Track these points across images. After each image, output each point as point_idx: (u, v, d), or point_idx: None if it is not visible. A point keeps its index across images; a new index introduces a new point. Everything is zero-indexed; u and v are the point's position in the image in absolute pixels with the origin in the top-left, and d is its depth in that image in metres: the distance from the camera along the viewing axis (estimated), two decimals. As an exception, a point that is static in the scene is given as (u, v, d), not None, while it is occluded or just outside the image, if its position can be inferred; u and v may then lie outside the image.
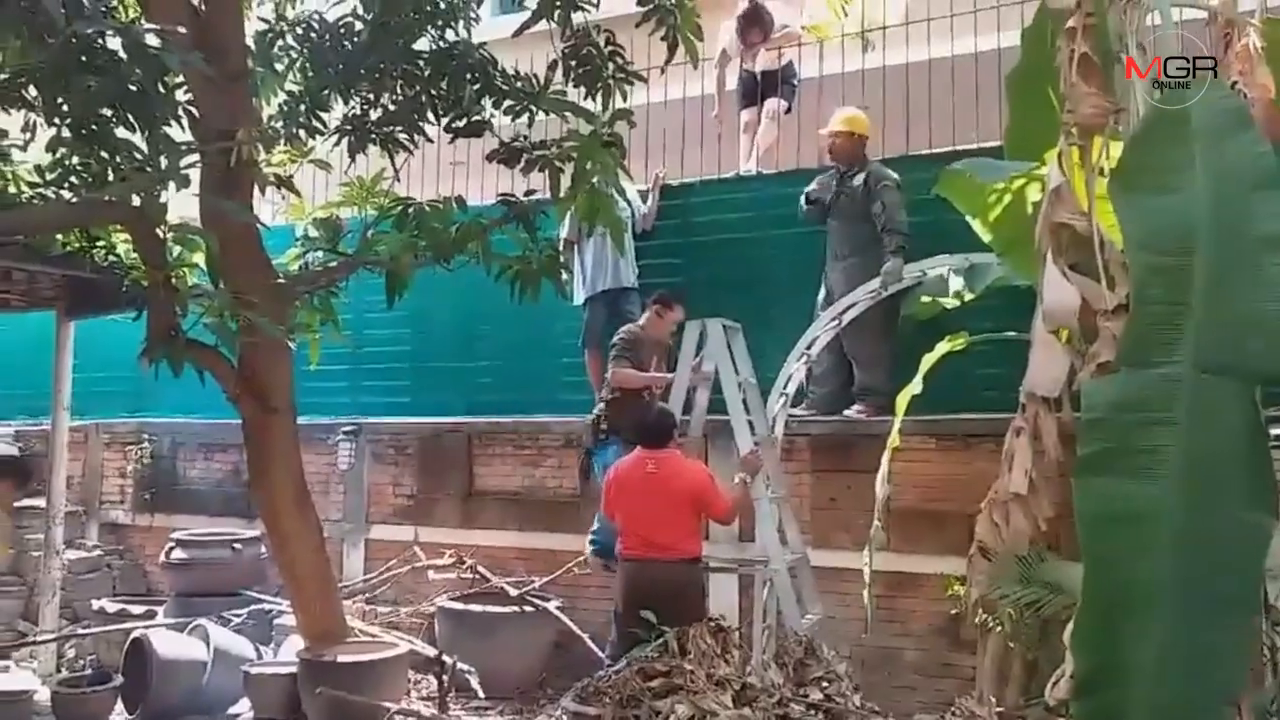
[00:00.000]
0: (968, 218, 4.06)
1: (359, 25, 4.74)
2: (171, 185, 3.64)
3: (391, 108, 4.80)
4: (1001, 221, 3.91)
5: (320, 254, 4.88)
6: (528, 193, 4.49)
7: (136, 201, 3.63)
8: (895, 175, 5.09)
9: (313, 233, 4.97)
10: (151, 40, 3.12)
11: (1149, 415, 2.57)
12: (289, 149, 4.55)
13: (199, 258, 4.03)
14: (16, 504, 7.15)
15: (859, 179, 5.15)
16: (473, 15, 4.97)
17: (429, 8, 4.72)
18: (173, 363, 3.75)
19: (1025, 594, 2.94)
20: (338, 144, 4.72)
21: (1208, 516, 2.41)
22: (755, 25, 6.05)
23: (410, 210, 4.61)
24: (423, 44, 4.78)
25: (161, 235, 3.77)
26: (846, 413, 5.28)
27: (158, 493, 7.63)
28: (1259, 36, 3.42)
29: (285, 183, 4.26)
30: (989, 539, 3.32)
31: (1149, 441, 2.44)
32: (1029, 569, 3.02)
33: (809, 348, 4.97)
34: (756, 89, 6.27)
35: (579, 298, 6.02)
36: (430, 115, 4.74)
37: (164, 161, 3.38)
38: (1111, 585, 2.40)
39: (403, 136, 4.75)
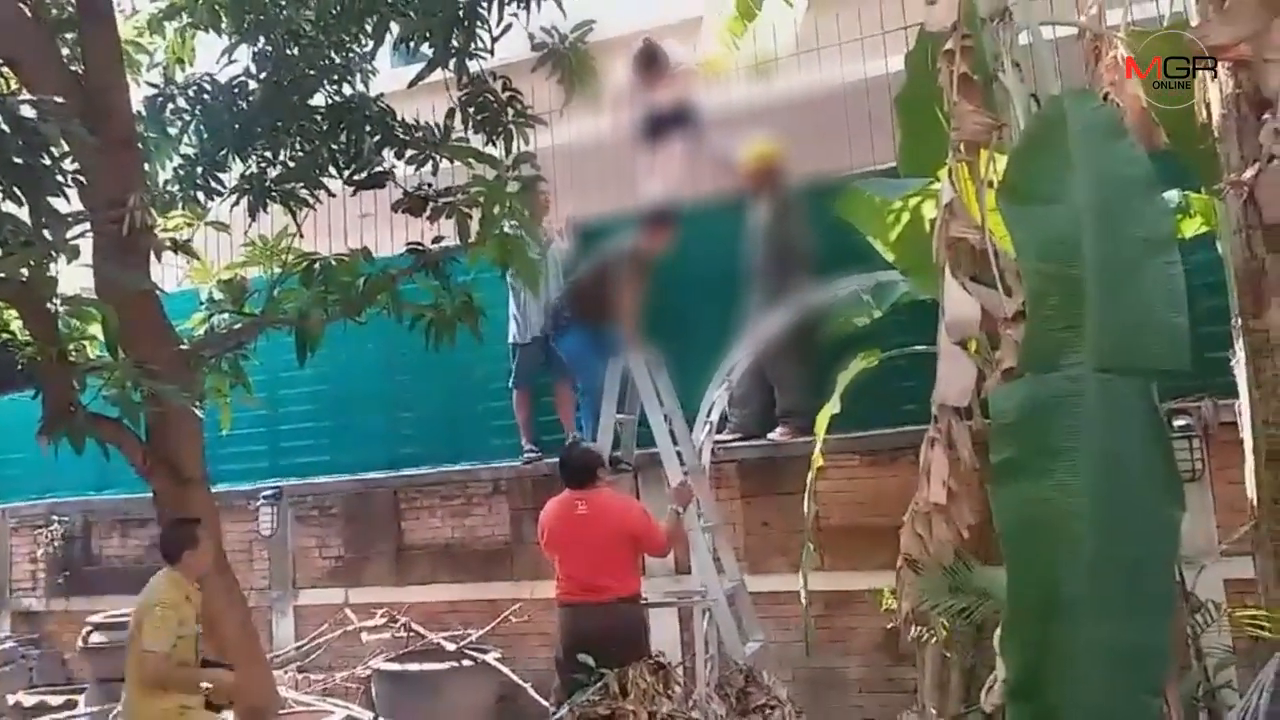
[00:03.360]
0: (869, 238, 4.14)
1: (252, 84, 4.66)
2: (61, 258, 3.50)
3: (290, 165, 4.72)
4: (902, 239, 4.00)
5: (226, 316, 4.74)
6: (435, 240, 4.43)
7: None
8: (799, 200, 5.18)
9: (217, 295, 4.83)
10: (27, 111, 2.99)
11: (1055, 418, 2.62)
12: (185, 212, 4.41)
13: (96, 329, 3.87)
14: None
15: (768, 206, 5.24)
16: (369, 68, 4.93)
17: (323, 63, 4.66)
18: (73, 440, 3.58)
19: (955, 603, 2.96)
20: (236, 204, 4.61)
21: (1120, 513, 2.45)
22: (651, 64, 6.09)
23: (317, 265, 4.52)
24: (319, 99, 4.72)
25: (53, 309, 3.61)
26: (771, 435, 5.31)
27: (72, 575, 7.27)
28: (1126, 48, 3.57)
29: (183, 247, 4.14)
30: (914, 550, 3.34)
31: (1058, 444, 2.49)
32: (956, 578, 3.04)
33: (729, 374, 4.99)
34: (658, 127, 6.30)
35: (511, 338, 5.97)
36: (331, 169, 4.66)
37: (48, 234, 3.24)
38: (1035, 588, 2.43)
39: (304, 193, 4.66)
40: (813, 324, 5.09)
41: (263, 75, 4.64)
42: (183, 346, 4.24)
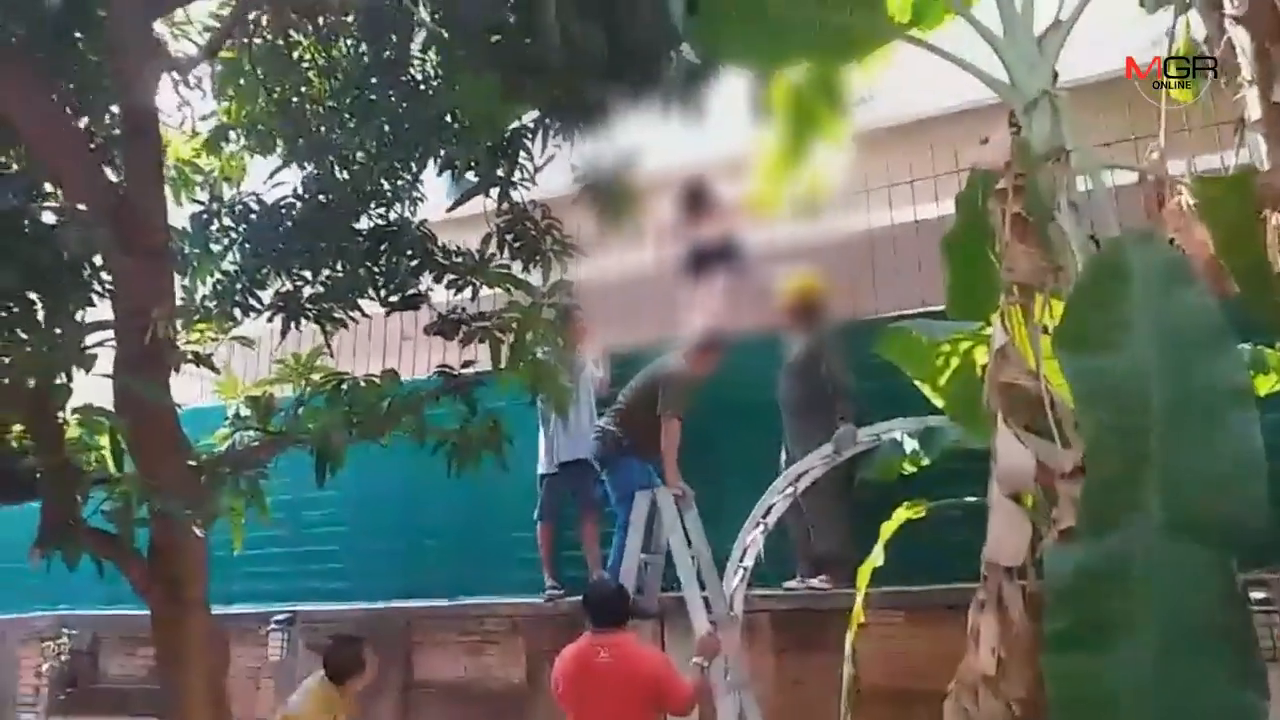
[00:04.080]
0: (916, 381, 3.95)
1: (298, 204, 4.72)
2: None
3: (328, 284, 4.72)
4: (951, 384, 3.80)
5: (250, 434, 4.66)
6: (465, 364, 4.34)
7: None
8: (840, 338, 5.05)
9: (244, 411, 4.76)
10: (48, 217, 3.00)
11: (1117, 585, 2.37)
12: (211, 325, 4.40)
13: (104, 439, 3.79)
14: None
15: (808, 341, 5.10)
16: (417, 194, 4.98)
17: (369, 188, 4.72)
18: (67, 555, 3.44)
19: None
20: (271, 320, 4.59)
21: (1190, 697, 2.16)
22: (698, 201, 6.10)
23: (343, 385, 4.44)
24: (362, 221, 4.76)
25: (62, 418, 3.54)
26: (810, 583, 5.01)
27: (76, 692, 7.02)
28: (1190, 195, 3.43)
29: (204, 360, 4.09)
30: (960, 726, 3.00)
31: (1120, 614, 2.23)
32: (1007, 761, 2.71)
33: (765, 516, 4.75)
34: (701, 261, 6.28)
35: (541, 468, 5.81)
36: (369, 290, 4.65)
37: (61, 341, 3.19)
38: (1094, 781, 2.12)
39: (339, 313, 4.64)
40: (853, 468, 4.86)
41: (309, 197, 4.70)
42: (196, 462, 4.12)
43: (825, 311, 5.24)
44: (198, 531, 3.83)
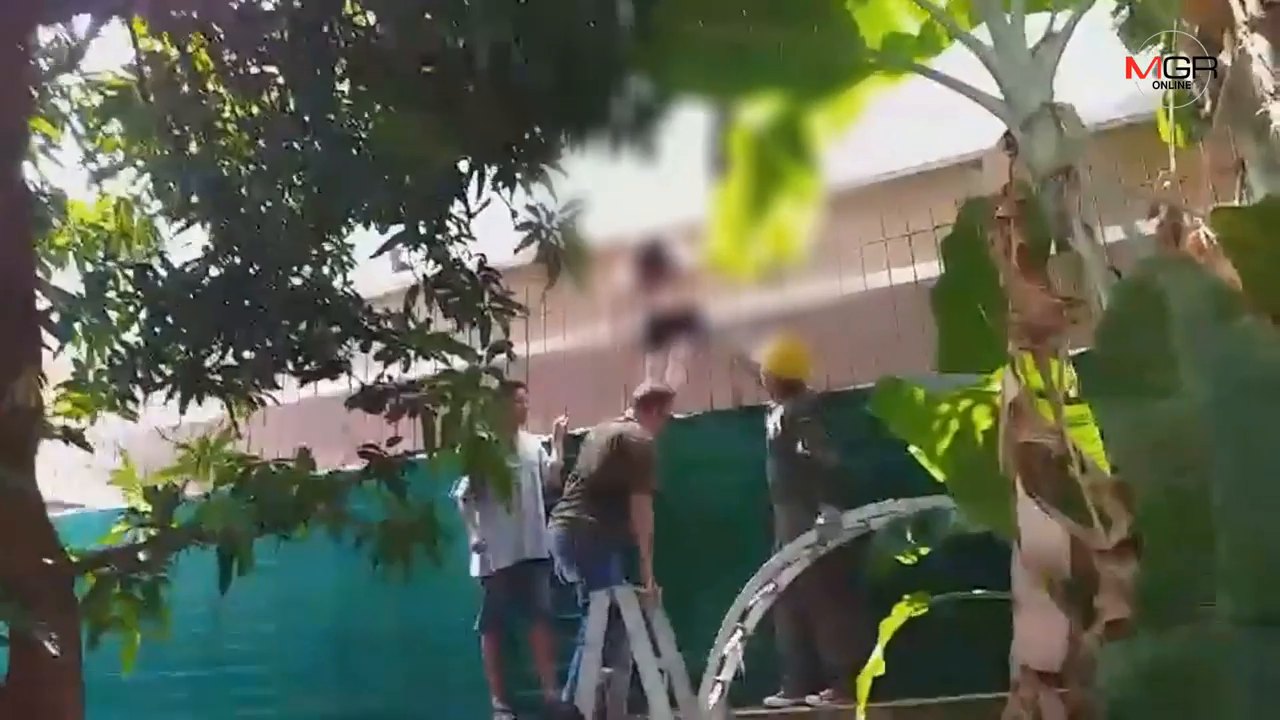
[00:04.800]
0: (913, 450, 3.45)
1: (212, 270, 4.23)
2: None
3: (240, 358, 4.19)
4: (951, 453, 3.29)
5: (150, 532, 4.06)
6: (391, 441, 3.79)
7: None
8: (818, 407, 4.54)
9: (142, 507, 4.16)
10: None
11: (1193, 689, 1.84)
12: (85, 396, 3.84)
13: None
14: None
15: (789, 414, 4.60)
16: (346, 259, 4.51)
17: (292, 250, 4.24)
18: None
19: None
20: (169, 398, 4.04)
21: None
22: (654, 264, 5.64)
23: (252, 472, 3.87)
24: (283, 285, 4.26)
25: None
26: (810, 699, 4.38)
27: None
28: (1210, 227, 3.01)
29: (74, 437, 3.52)
30: None
31: (1199, 725, 1.69)
32: None
33: (743, 619, 4.15)
34: (661, 331, 5.80)
35: (475, 570, 5.18)
36: (285, 362, 4.12)
37: None
38: None
39: (253, 387, 4.11)
40: (852, 558, 4.28)
41: (222, 258, 4.20)
42: (68, 562, 3.50)
43: (806, 381, 4.77)
44: (52, 648, 3.17)
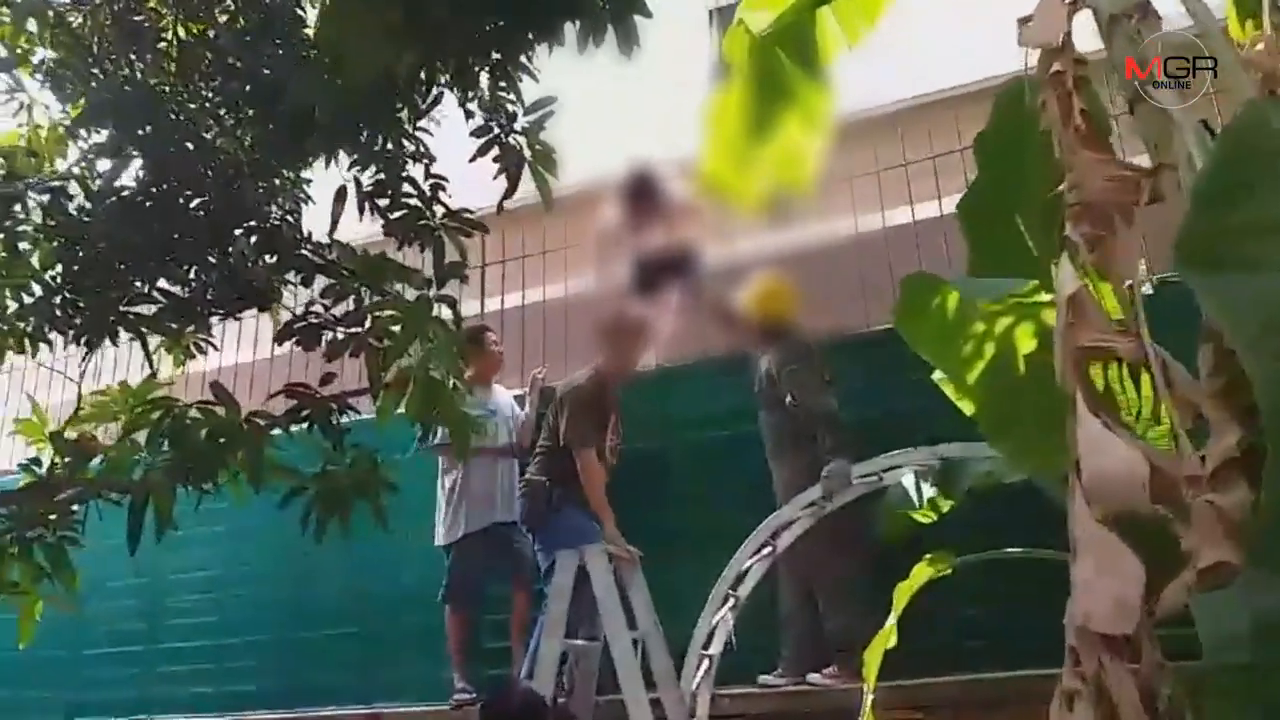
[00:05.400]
0: (939, 382, 2.93)
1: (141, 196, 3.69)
2: None
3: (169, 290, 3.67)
4: (987, 383, 2.76)
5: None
6: (325, 378, 3.27)
7: None
8: (808, 349, 4.01)
9: (48, 458, 3.66)
10: None
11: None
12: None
13: None
14: None
15: (780, 358, 4.07)
16: (301, 195, 3.97)
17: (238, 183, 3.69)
18: None
19: None
20: (78, 339, 3.52)
21: None
22: (643, 197, 5.06)
23: (172, 415, 3.35)
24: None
25: None
26: (812, 678, 3.88)
27: None
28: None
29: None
30: None
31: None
32: None
33: (735, 586, 3.64)
34: (650, 276, 5.24)
35: (440, 538, 4.66)
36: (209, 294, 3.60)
37: None
38: None
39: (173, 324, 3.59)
40: (863, 516, 3.75)
41: (153, 188, 3.66)
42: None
43: (791, 324, 4.24)
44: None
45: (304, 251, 3.64)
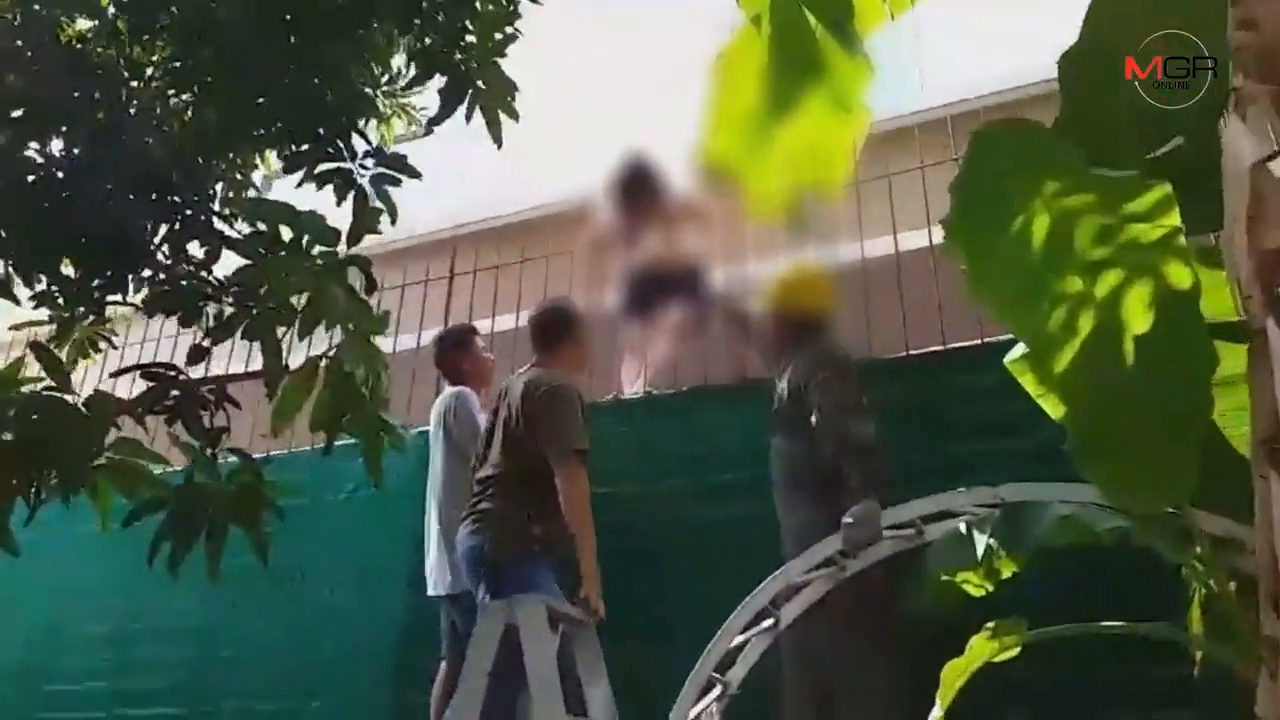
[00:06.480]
0: (1010, 366, 2.12)
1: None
2: None
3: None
4: (1084, 373, 1.97)
5: None
6: (192, 357, 2.55)
7: None
8: (845, 360, 3.20)
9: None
10: None
11: None
12: None
13: None
14: None
15: (789, 375, 3.25)
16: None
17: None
18: None
19: None
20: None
21: None
22: (639, 194, 4.25)
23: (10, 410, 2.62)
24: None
25: None
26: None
27: None
28: None
29: None
30: None
31: None
32: None
33: (722, 670, 2.76)
34: (648, 291, 4.37)
35: (434, 588, 3.81)
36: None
37: None
38: None
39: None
40: (894, 577, 2.86)
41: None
42: None
43: (827, 321, 3.41)
44: None
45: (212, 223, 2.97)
